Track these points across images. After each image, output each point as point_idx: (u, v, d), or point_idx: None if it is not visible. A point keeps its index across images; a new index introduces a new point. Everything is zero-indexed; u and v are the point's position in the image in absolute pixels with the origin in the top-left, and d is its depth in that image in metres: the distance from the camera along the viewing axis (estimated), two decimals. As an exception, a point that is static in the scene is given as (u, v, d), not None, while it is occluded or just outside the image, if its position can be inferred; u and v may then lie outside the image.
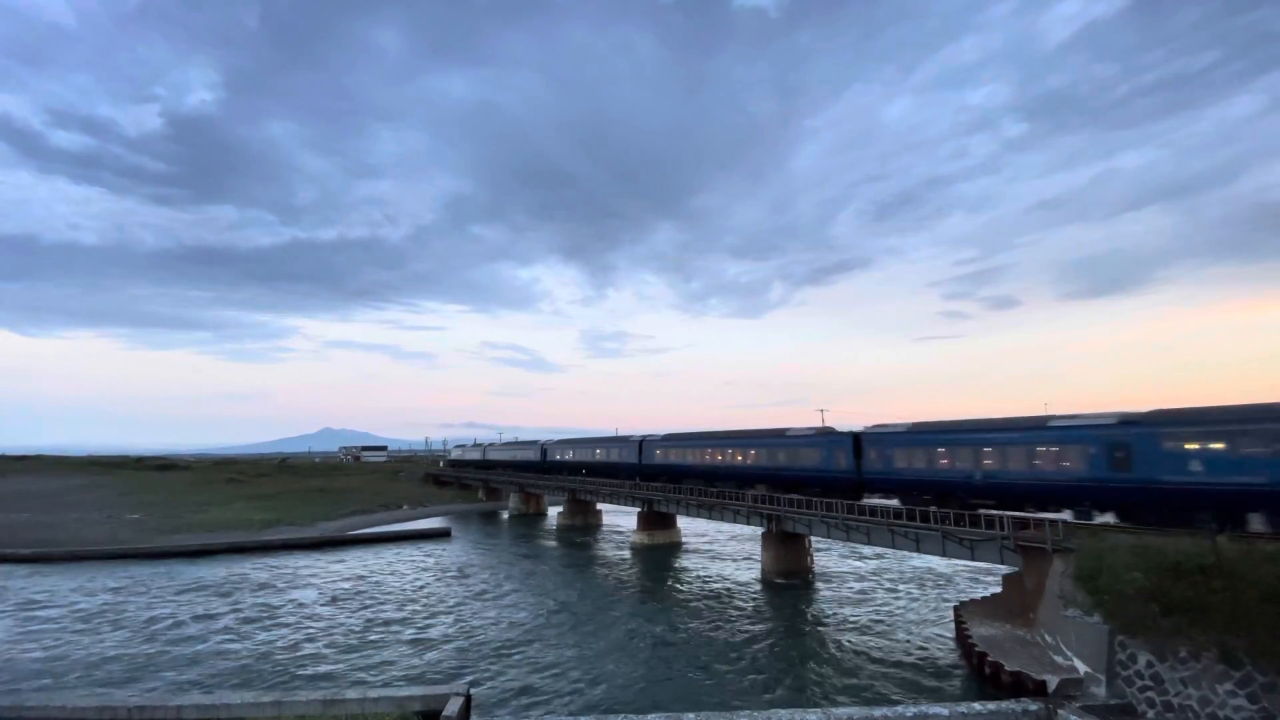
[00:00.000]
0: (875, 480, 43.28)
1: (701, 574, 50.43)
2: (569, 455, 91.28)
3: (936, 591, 42.51)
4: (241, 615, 39.58)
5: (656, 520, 64.30)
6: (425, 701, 21.97)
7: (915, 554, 37.66)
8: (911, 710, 21.41)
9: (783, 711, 21.94)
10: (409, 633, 35.58)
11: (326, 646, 33.20)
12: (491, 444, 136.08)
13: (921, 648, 31.49)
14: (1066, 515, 32.67)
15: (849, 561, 53.11)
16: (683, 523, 67.18)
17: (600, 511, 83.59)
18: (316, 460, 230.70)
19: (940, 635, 33.25)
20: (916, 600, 40.54)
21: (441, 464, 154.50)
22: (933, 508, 35.85)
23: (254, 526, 75.01)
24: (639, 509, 65.27)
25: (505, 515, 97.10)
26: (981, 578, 44.86)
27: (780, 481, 50.80)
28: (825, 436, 48.23)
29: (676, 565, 54.40)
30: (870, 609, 38.77)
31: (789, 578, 46.25)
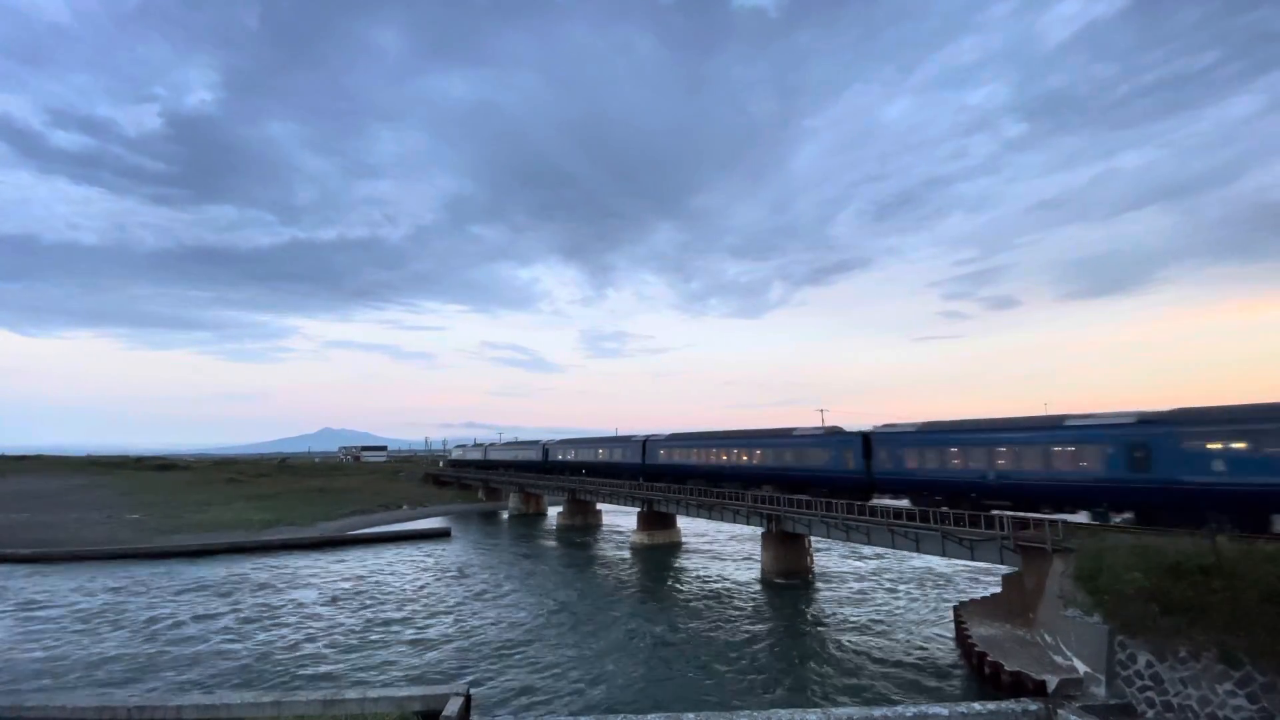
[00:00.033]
0: (886, 481, 42.77)
1: (701, 574, 50.43)
2: (571, 455, 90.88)
3: (936, 591, 42.51)
4: (241, 615, 39.57)
5: (656, 520, 64.29)
6: (425, 701, 21.97)
7: (915, 554, 37.63)
8: (911, 710, 21.41)
9: (783, 711, 21.94)
10: (409, 633, 35.58)
11: (326, 646, 33.20)
12: (493, 444, 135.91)
13: (921, 648, 31.50)
14: (1083, 516, 32.34)
15: (849, 561, 53.11)
16: (683, 523, 67.17)
17: (600, 511, 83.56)
18: (316, 460, 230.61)
19: (940, 635, 33.25)
20: (916, 600, 40.54)
21: (441, 464, 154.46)
22: (943, 508, 35.60)
23: (254, 526, 74.99)
24: (639, 509, 65.28)
25: (505, 515, 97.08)
26: (981, 578, 44.86)
27: (787, 482, 50.39)
28: (834, 436, 47.77)
29: (676, 565, 54.40)
30: (870, 609, 38.77)
31: (789, 578, 46.25)
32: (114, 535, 69.57)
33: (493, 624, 37.11)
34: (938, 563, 48.38)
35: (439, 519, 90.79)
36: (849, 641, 32.62)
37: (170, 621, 38.36)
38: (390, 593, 45.30)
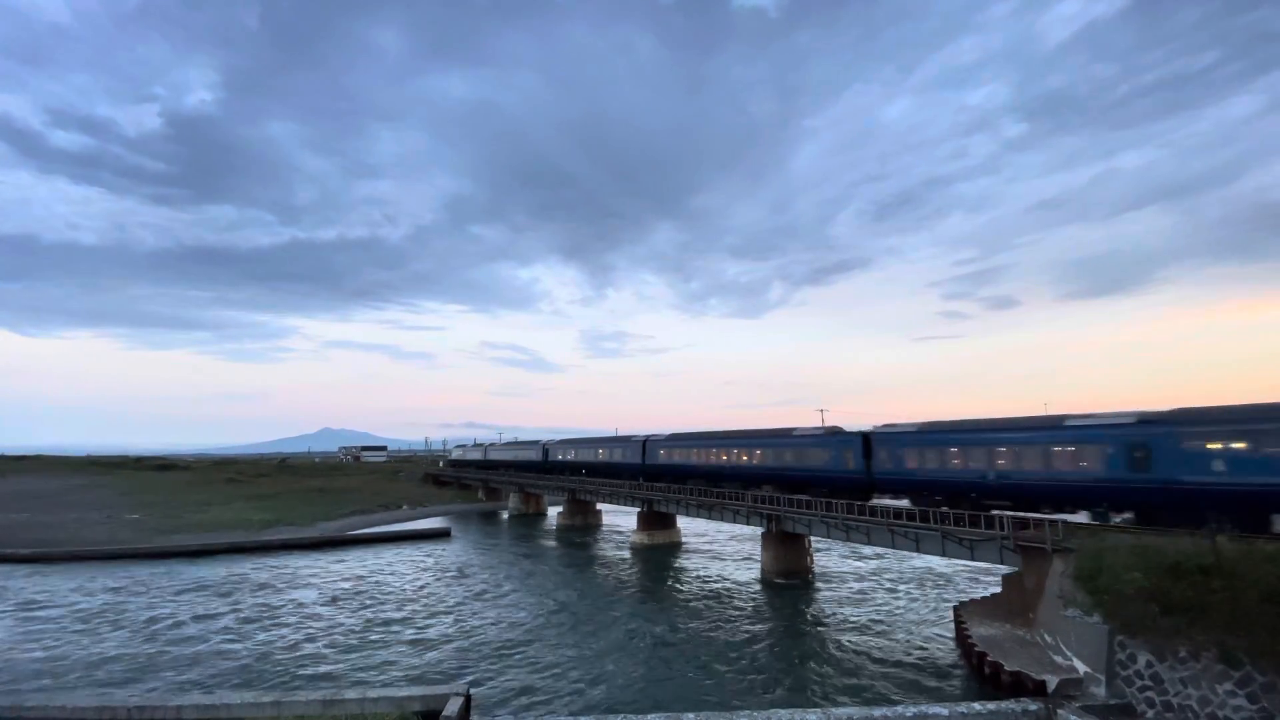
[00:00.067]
0: (886, 481, 42.73)
1: (701, 574, 50.43)
2: (571, 455, 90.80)
3: (936, 591, 42.51)
4: (241, 615, 39.57)
5: (656, 520, 64.29)
6: (425, 701, 21.97)
7: (915, 554, 37.63)
8: (911, 710, 21.42)
9: (783, 711, 21.94)
10: (409, 633, 35.58)
11: (326, 646, 33.20)
12: (493, 444, 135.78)
13: (921, 648, 31.50)
14: (1083, 516, 32.28)
15: (849, 561, 53.11)
16: (682, 523, 67.17)
17: (600, 511, 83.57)
18: (316, 460, 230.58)
19: (940, 635, 33.25)
20: (916, 600, 40.54)
21: (441, 464, 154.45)
22: (943, 508, 35.56)
23: (254, 526, 74.99)
24: (638, 509, 65.29)
25: (505, 515, 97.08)
26: (981, 578, 44.86)
27: (787, 482, 50.34)
28: (834, 436, 47.68)
29: (676, 565, 54.40)
30: (870, 609, 38.77)
31: (789, 578, 46.25)
32: (114, 535, 69.57)
33: (493, 624, 37.12)
34: (938, 563, 48.38)
35: (439, 519, 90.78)
36: (849, 641, 32.63)
37: (170, 621, 38.36)
38: (390, 593, 45.30)
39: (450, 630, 35.98)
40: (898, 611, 38.09)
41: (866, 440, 44.28)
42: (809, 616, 37.71)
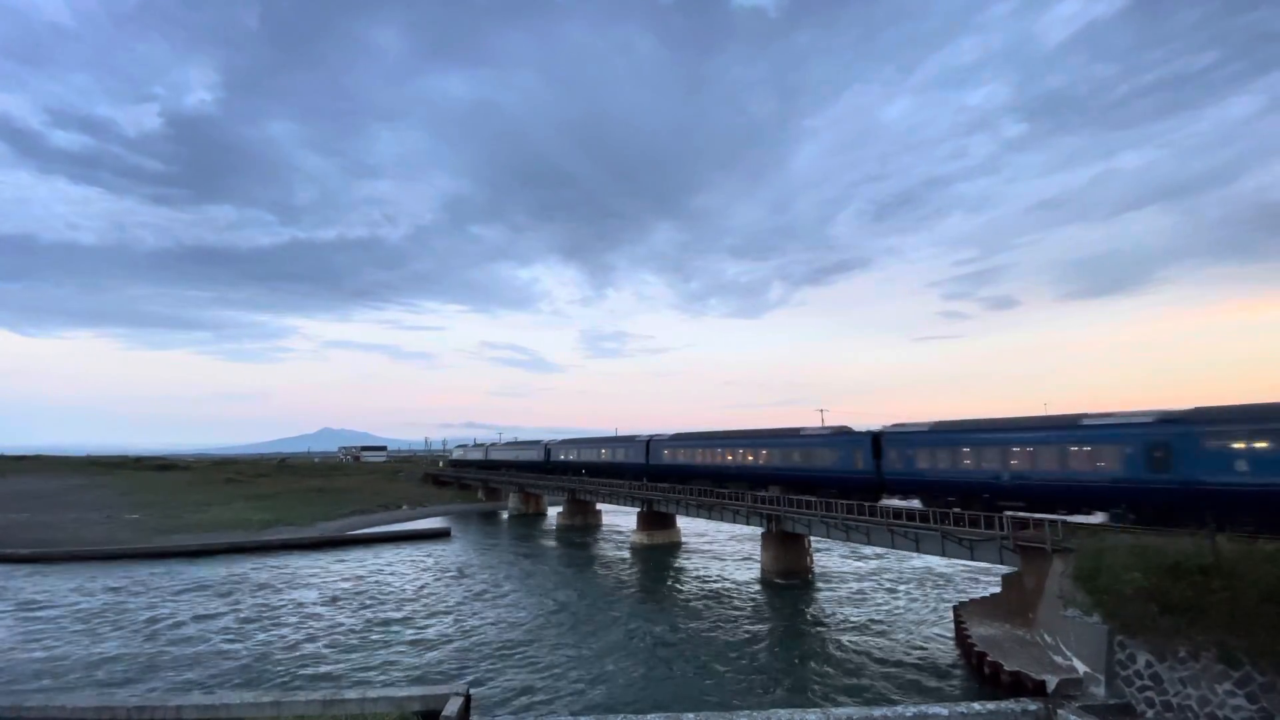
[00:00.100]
0: (896, 481, 42.05)
1: (701, 574, 50.44)
2: (574, 456, 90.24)
3: (936, 591, 42.53)
4: (241, 615, 39.57)
5: (656, 520, 64.30)
6: (425, 701, 21.97)
7: (915, 554, 37.62)
8: (911, 710, 21.43)
9: (783, 711, 21.95)
10: (409, 633, 35.59)
11: (326, 646, 33.20)
12: (494, 444, 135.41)
13: (921, 648, 31.51)
14: (1100, 518, 31.78)
15: (849, 561, 53.13)
16: (682, 523, 67.19)
17: (600, 511, 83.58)
18: (316, 460, 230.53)
19: (940, 635, 33.27)
20: (916, 600, 40.56)
21: (441, 464, 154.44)
22: (955, 509, 35.22)
23: (253, 526, 74.98)
24: (638, 509, 65.31)
25: (505, 515, 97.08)
26: (981, 578, 44.89)
27: (795, 483, 49.69)
28: (842, 436, 46.94)
29: (676, 565, 54.41)
30: (870, 609, 38.79)
31: (789, 578, 46.26)
32: (113, 535, 69.55)
33: (492, 624, 37.12)
34: (938, 563, 48.39)
35: (439, 519, 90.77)
36: (849, 641, 32.64)
37: (170, 621, 38.35)
38: (390, 593, 45.30)
39: (450, 630, 35.99)
40: (897, 611, 38.10)
41: (876, 440, 43.58)
42: (809, 616, 37.73)
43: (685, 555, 59.00)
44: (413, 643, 33.80)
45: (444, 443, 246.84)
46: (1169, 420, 29.31)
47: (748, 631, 34.80)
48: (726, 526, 65.75)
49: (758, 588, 45.26)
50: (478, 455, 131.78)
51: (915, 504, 40.09)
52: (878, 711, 21.59)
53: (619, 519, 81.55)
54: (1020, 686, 23.50)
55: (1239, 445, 26.77)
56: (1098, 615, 22.77)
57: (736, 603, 41.19)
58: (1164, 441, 28.85)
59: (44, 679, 29.18)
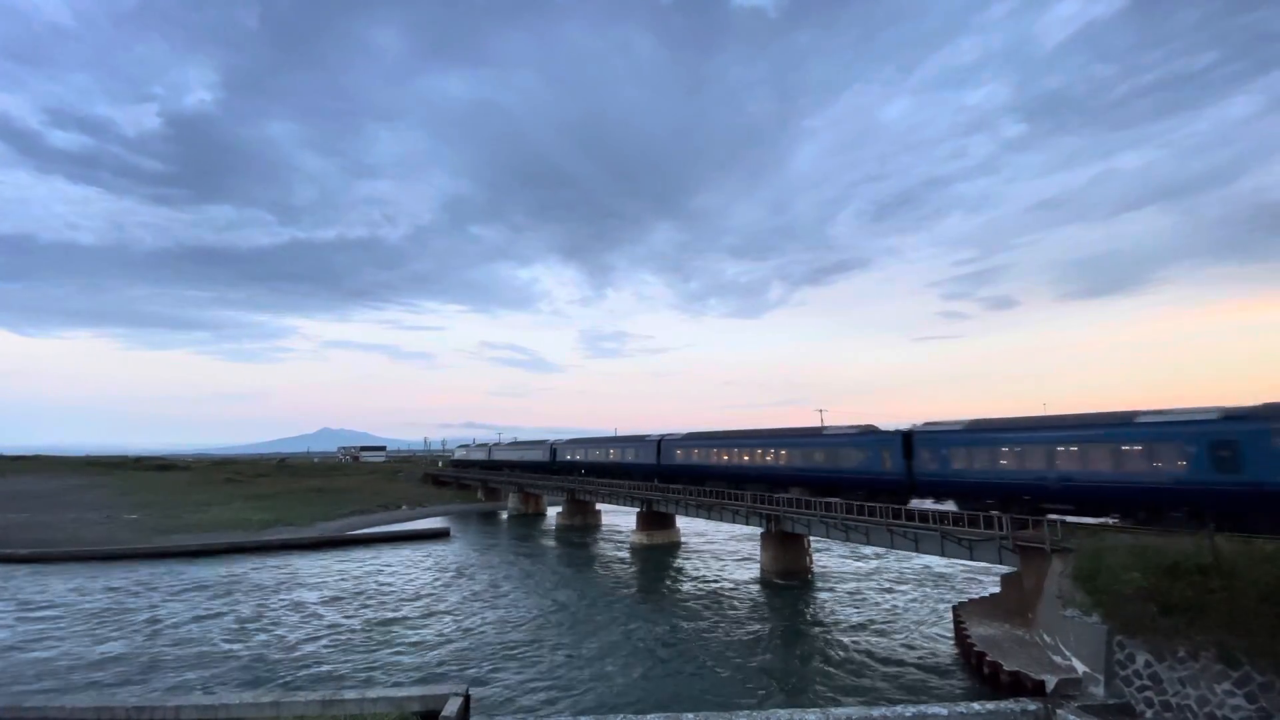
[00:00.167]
0: (929, 483, 39.83)
1: (701, 574, 50.46)
2: (580, 456, 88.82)
3: (936, 591, 42.56)
4: (241, 615, 39.57)
5: (655, 520, 64.32)
6: (424, 702, 21.99)
7: (915, 554, 37.63)
8: (911, 710, 21.44)
9: (783, 711, 21.97)
10: (409, 633, 35.59)
11: (326, 646, 33.20)
12: (496, 444, 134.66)
13: (921, 648, 31.53)
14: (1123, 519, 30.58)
15: (849, 561, 53.16)
16: (682, 523, 67.21)
17: (599, 511, 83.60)
18: (315, 460, 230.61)
19: (939, 635, 33.30)
20: (916, 600, 40.59)
21: (441, 464, 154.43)
22: (988, 510, 34.30)
23: (253, 526, 74.98)
24: (638, 509, 65.32)
25: (504, 515, 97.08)
26: (981, 578, 44.93)
27: (818, 484, 48.17)
28: (870, 435, 45.20)
29: (675, 565, 54.43)
30: (869, 609, 38.82)
31: (788, 578, 46.28)
32: (113, 535, 69.53)
33: (492, 624, 37.13)
34: (937, 562, 48.43)
35: (438, 519, 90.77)
36: (849, 641, 32.66)
37: (170, 621, 38.35)
38: (390, 593, 45.31)
39: (449, 630, 36.00)
40: (897, 611, 38.13)
41: (907, 439, 41.71)
42: (808, 616, 37.75)
43: (685, 555, 59.00)
44: (412, 643, 33.79)
45: (443, 443, 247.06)
46: (1235, 417, 27.17)
47: (748, 632, 34.82)
48: (726, 526, 65.77)
49: (757, 588, 45.29)
50: (480, 455, 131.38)
51: (950, 506, 38.74)
52: (877, 711, 21.60)
53: (619, 519, 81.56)
54: (1019, 686, 23.50)
55: None
56: (1097, 615, 22.81)
57: (736, 603, 41.21)
58: (1232, 439, 26.67)
59: (44, 679, 29.16)
